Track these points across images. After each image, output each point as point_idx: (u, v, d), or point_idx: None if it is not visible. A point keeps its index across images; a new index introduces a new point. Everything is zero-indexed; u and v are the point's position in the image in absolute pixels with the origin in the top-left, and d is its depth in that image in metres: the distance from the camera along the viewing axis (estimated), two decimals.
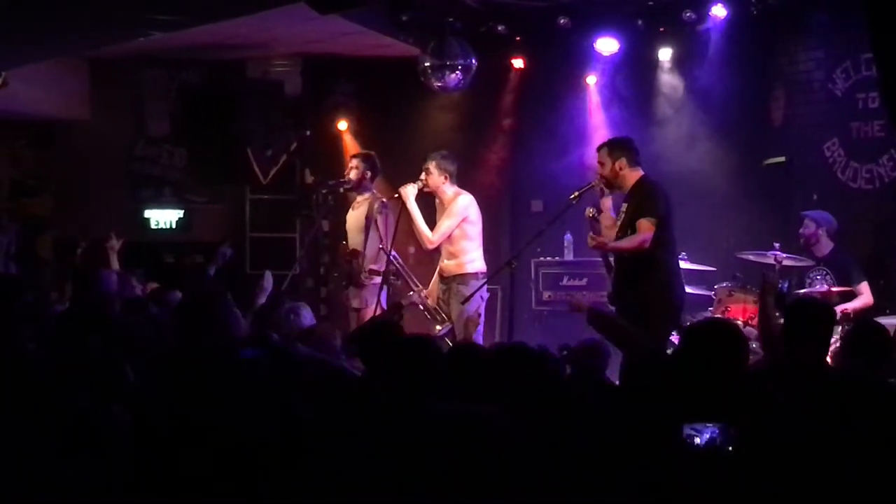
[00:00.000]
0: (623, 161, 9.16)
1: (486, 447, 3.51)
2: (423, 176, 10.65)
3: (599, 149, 9.41)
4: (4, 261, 9.40)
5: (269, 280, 9.29)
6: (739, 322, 9.73)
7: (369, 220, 10.93)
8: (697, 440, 4.36)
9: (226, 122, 14.04)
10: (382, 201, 10.85)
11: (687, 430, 4.37)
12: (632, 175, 9.21)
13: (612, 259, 9.41)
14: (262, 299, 9.44)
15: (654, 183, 9.23)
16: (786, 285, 9.85)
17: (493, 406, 4.50)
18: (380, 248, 10.71)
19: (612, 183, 9.24)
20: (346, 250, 11.11)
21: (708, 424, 4.38)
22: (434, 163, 10.68)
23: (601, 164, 9.28)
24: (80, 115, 14.96)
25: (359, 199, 11.20)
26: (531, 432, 4.22)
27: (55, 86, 14.29)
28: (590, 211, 9.38)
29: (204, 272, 9.29)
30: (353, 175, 11.14)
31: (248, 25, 11.61)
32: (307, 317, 8.08)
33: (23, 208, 15.56)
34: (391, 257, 10.57)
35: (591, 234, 9.27)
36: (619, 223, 9.25)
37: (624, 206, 9.24)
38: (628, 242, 9.03)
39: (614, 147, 9.32)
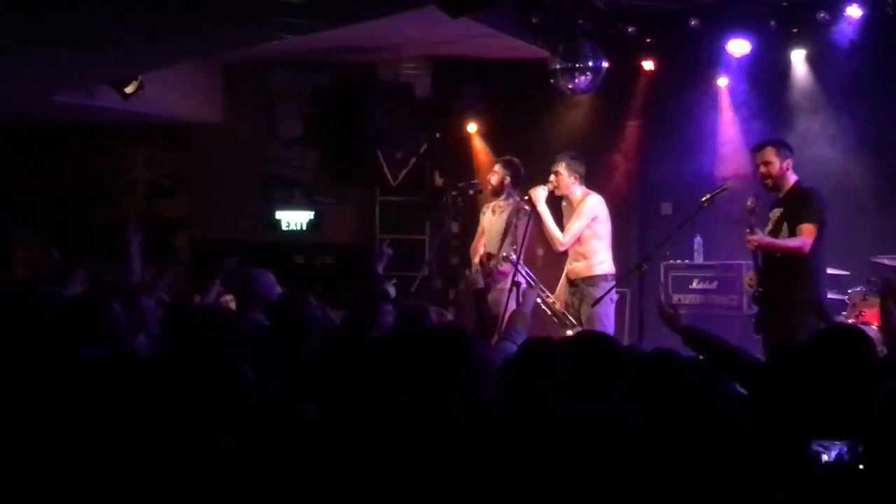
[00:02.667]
0: (790, 161, 9.06)
1: (620, 448, 3.46)
2: (552, 178, 10.63)
3: (762, 148, 9.21)
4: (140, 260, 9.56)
5: (387, 251, 9.46)
6: (874, 327, 9.54)
7: (509, 226, 10.96)
8: (825, 457, 4.26)
9: (356, 125, 14.15)
10: (524, 208, 10.84)
11: (815, 447, 4.28)
12: (792, 177, 9.11)
13: (759, 259, 9.27)
14: (381, 268, 9.57)
15: (817, 189, 9.12)
16: None
17: (624, 405, 4.44)
18: (503, 257, 10.73)
19: (777, 183, 9.09)
20: (483, 256, 11.14)
21: (836, 441, 4.28)
22: (564, 164, 10.67)
23: (767, 163, 9.09)
24: (214, 117, 15.20)
25: (501, 203, 11.19)
26: (665, 434, 4.17)
27: (189, 88, 14.53)
28: (751, 202, 9.18)
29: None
30: (493, 180, 11.16)
31: (379, 28, 11.68)
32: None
33: (157, 209, 15.86)
34: (514, 262, 10.55)
35: (749, 231, 9.08)
36: (769, 227, 9.12)
37: (778, 212, 9.10)
38: (792, 242, 8.90)
39: (782, 147, 9.17)
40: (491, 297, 10.75)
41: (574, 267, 10.73)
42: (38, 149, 15.94)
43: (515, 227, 10.86)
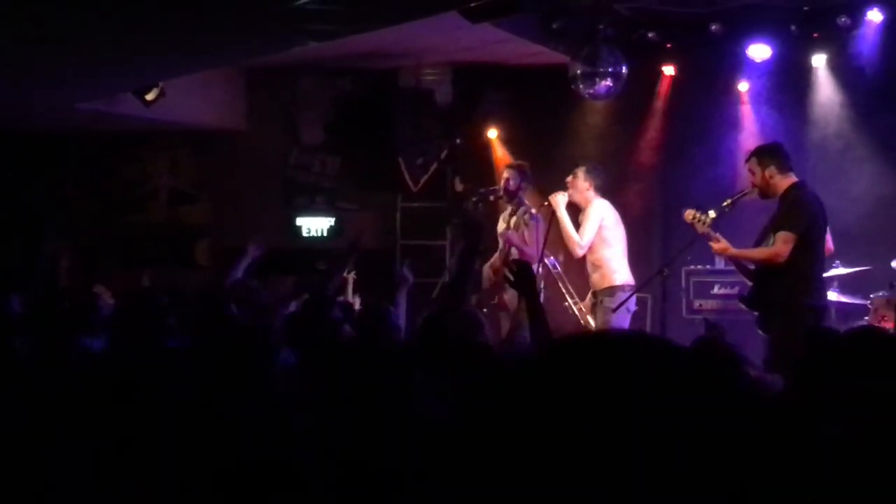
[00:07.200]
0: (773, 169, 9.02)
1: None
2: (569, 178, 10.74)
3: (748, 159, 9.27)
4: None
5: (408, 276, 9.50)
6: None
7: (518, 231, 11.02)
8: None
9: (378, 131, 14.19)
10: (531, 212, 10.91)
11: None
12: (783, 182, 9.06)
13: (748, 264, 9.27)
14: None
15: (804, 193, 9.04)
16: None
17: None
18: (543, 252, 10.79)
19: (765, 191, 9.11)
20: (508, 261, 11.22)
21: None
22: (582, 170, 10.79)
23: (751, 172, 9.13)
24: (236, 124, 15.26)
25: (511, 211, 11.28)
26: None
27: (211, 95, 14.59)
28: (687, 214, 9.22)
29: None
30: (510, 186, 11.22)
31: (401, 34, 11.73)
32: None
33: (180, 216, 15.93)
34: (551, 264, 10.62)
35: (714, 238, 9.10)
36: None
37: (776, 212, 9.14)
38: (759, 253, 8.91)
39: (762, 155, 9.16)
40: (507, 296, 10.84)
41: (592, 278, 10.80)
42: (68, 157, 16.06)
43: (523, 236, 10.93)
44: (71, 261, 14.34)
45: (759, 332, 9.10)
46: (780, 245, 8.75)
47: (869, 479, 2.81)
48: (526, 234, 10.87)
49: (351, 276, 10.33)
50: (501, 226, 11.46)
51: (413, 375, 5.07)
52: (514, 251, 10.97)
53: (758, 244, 9.06)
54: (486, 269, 11.37)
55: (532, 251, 10.66)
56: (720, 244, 9.06)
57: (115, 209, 16.10)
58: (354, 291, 10.70)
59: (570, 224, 10.70)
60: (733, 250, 9.05)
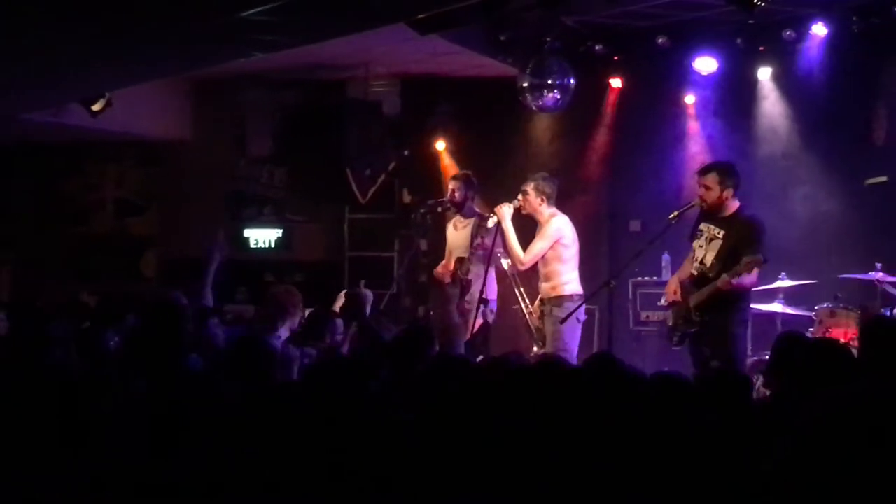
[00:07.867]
0: (730, 190, 9.04)
1: None
2: (520, 197, 10.63)
3: (706, 173, 9.21)
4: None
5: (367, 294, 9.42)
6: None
7: (473, 242, 11.00)
8: None
9: (326, 142, 14.14)
10: (486, 225, 10.88)
11: None
12: (733, 204, 9.10)
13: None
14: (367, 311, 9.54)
15: (760, 220, 9.09)
16: (888, 312, 9.72)
17: None
18: (495, 254, 10.78)
19: (713, 208, 9.12)
20: (452, 265, 11.20)
21: None
22: (532, 185, 10.64)
23: (707, 188, 9.09)
24: (183, 134, 15.20)
25: (461, 220, 11.25)
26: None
27: (158, 106, 14.52)
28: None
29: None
30: (457, 197, 11.21)
31: (349, 45, 11.72)
32: None
33: (127, 227, 15.84)
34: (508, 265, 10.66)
35: (726, 276, 8.99)
36: (699, 244, 9.17)
37: (717, 231, 9.09)
38: (749, 280, 8.91)
39: (725, 174, 9.11)
40: (461, 307, 10.84)
41: (541, 287, 10.75)
42: (12, 168, 15.93)
43: (482, 243, 10.90)
44: (13, 273, 14.23)
45: (693, 344, 9.18)
46: (755, 271, 8.80)
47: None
48: (487, 239, 10.86)
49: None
50: (451, 233, 11.44)
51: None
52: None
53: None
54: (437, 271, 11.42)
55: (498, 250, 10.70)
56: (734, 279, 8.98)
57: (61, 220, 16.01)
58: None
59: (515, 238, 10.63)
60: (736, 281, 8.94)
